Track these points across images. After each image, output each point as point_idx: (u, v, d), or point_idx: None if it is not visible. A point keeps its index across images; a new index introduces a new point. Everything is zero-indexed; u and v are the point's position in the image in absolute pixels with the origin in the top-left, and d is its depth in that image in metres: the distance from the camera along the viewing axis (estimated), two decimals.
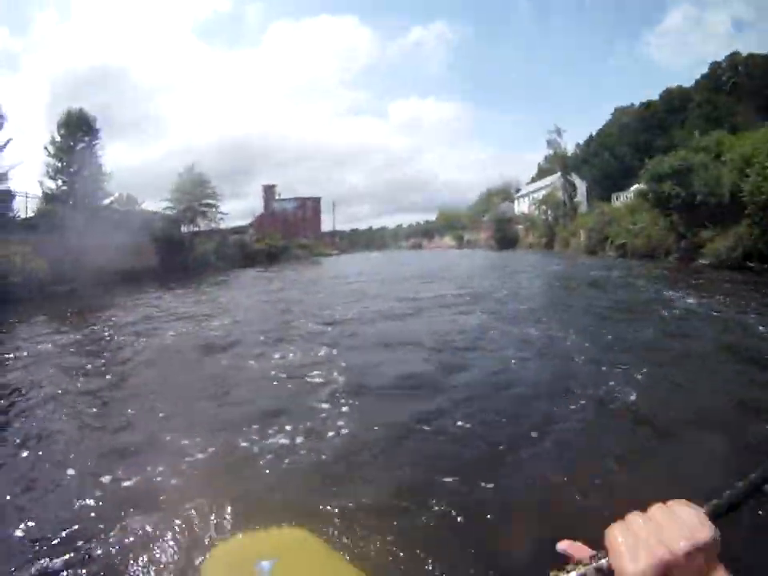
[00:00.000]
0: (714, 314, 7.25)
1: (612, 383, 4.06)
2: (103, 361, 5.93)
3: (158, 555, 2.09)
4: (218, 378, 4.86)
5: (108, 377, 5.13)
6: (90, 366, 5.62)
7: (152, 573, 2.00)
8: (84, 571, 2.01)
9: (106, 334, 7.84)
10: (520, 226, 45.31)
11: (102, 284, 17.85)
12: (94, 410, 4.07)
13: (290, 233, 48.69)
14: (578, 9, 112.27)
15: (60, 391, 4.59)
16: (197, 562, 1.97)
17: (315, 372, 4.77)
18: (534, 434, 3.16)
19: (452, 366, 4.96)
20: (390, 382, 4.54)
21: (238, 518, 2.26)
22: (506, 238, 45.19)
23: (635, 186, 34.40)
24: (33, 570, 2.02)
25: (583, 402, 3.67)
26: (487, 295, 10.60)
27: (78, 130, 24.31)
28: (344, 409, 3.77)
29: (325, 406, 3.85)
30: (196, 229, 32.78)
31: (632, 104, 44.47)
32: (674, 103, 37.00)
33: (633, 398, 3.71)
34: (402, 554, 2.02)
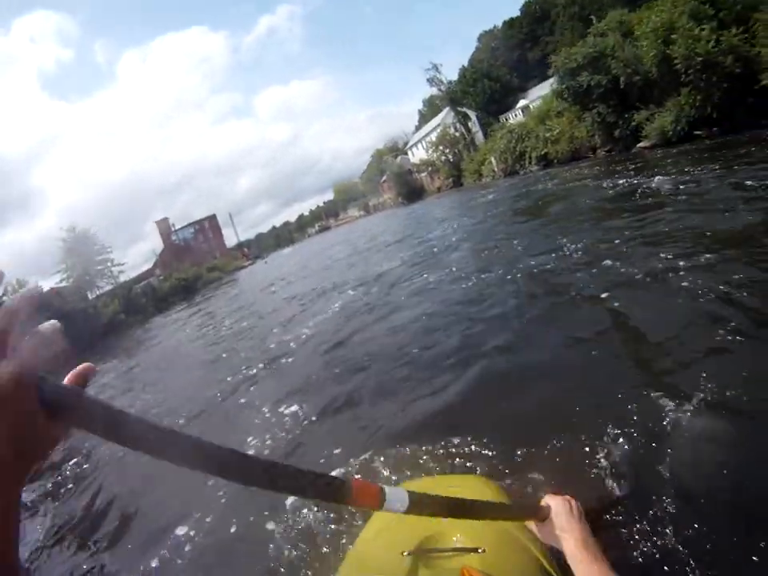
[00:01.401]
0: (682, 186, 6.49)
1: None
2: None
3: None
4: None
5: None
6: None
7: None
8: None
9: None
10: (422, 174, 43.81)
11: None
12: None
13: (197, 260, 45.57)
14: None
15: None
16: None
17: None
18: None
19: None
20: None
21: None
22: (411, 190, 43.82)
23: (521, 102, 34.37)
24: None
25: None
26: (443, 251, 8.20)
27: None
28: None
29: None
30: (98, 292, 29.98)
31: (494, 26, 44.40)
32: (537, 14, 37.22)
33: None
34: None
